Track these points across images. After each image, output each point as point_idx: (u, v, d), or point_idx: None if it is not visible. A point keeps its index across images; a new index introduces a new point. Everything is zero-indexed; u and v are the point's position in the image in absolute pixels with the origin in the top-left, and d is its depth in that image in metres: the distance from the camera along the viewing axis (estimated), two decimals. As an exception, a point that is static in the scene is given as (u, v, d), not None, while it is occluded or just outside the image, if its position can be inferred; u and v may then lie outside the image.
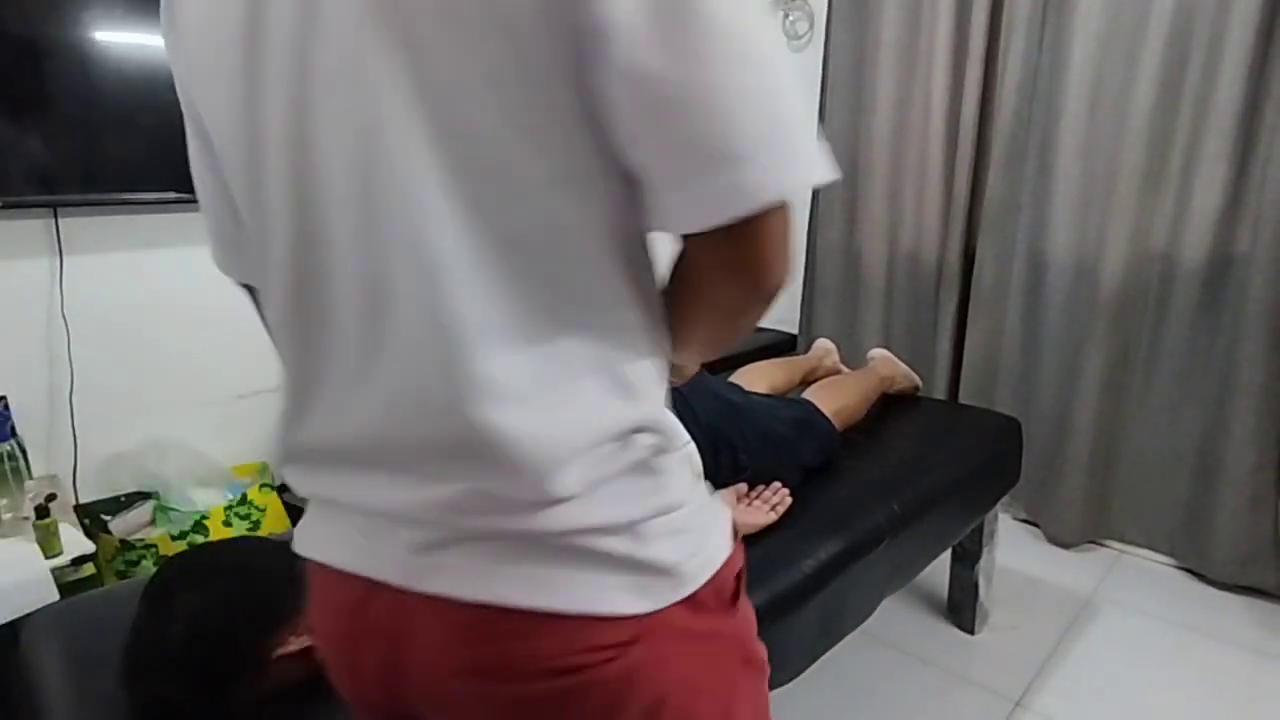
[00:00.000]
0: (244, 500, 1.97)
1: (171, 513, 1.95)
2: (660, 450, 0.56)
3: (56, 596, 1.39)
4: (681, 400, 0.79)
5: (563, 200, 0.49)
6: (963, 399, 2.61)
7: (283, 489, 2.31)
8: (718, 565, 0.59)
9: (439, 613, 0.54)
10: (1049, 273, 2.35)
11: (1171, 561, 2.29)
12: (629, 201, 0.51)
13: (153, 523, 1.93)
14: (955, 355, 2.67)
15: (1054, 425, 2.38)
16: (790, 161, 0.48)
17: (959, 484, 1.63)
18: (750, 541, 1.09)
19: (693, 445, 0.61)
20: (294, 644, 0.88)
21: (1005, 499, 1.89)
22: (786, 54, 0.50)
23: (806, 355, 2.16)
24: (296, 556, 0.94)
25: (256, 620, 0.86)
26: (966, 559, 1.93)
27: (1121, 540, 2.38)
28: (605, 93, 0.46)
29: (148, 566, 1.79)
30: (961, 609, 1.98)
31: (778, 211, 0.49)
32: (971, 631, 1.96)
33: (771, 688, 0.75)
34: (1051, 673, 1.82)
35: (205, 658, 0.83)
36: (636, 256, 0.55)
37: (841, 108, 2.81)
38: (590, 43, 0.44)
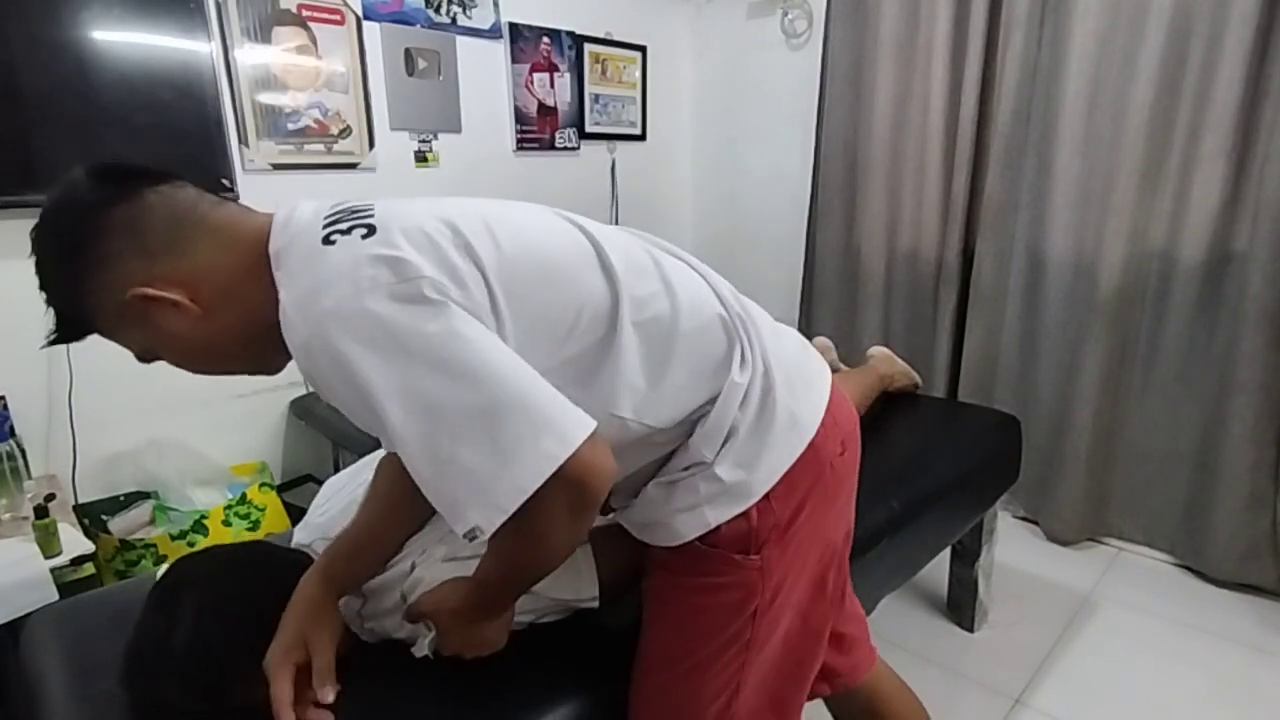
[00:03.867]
0: (243, 500, 1.97)
1: (171, 512, 1.95)
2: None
3: (56, 596, 1.39)
4: None
5: None
6: (962, 397, 2.61)
7: (282, 489, 2.31)
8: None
9: None
10: (1048, 271, 2.35)
11: (1170, 559, 2.29)
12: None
13: (152, 522, 1.92)
14: (954, 353, 2.67)
15: (1053, 423, 2.38)
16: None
17: (958, 482, 1.63)
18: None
19: None
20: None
21: (1004, 497, 1.89)
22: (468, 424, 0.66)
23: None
24: (302, 562, 0.95)
25: (262, 624, 0.86)
26: (966, 557, 1.93)
27: (1120, 538, 2.38)
28: None
29: (147, 566, 1.79)
30: (961, 607, 1.98)
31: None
32: (971, 629, 1.97)
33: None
34: (1051, 670, 1.83)
35: (210, 661, 0.83)
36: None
37: (840, 106, 2.81)
38: None
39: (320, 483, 1.45)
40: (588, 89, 3.00)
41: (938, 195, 2.61)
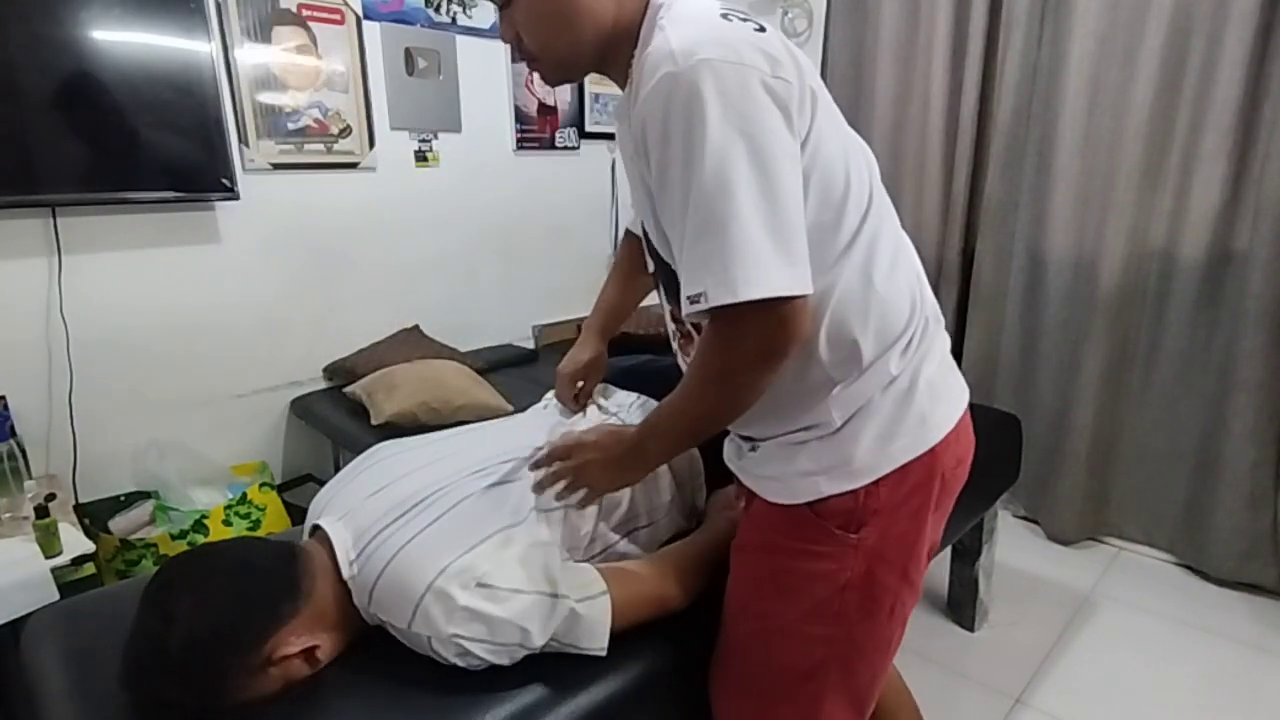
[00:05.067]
0: (244, 499, 1.97)
1: (171, 512, 1.95)
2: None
3: (56, 596, 1.39)
4: None
5: None
6: (962, 396, 2.61)
7: (282, 488, 2.31)
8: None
9: None
10: (1048, 270, 2.35)
11: (1170, 558, 2.29)
12: None
13: (152, 522, 1.92)
14: (954, 353, 2.64)
15: (1053, 422, 2.38)
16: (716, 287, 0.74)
17: (958, 481, 1.63)
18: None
19: None
20: (295, 644, 0.88)
21: (1005, 496, 1.89)
22: (745, 196, 0.73)
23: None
24: (297, 556, 0.95)
25: (258, 620, 0.86)
26: (966, 556, 1.93)
27: (1120, 537, 2.38)
28: None
29: (148, 566, 1.79)
30: (961, 606, 1.99)
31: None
32: (971, 629, 1.97)
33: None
34: (1051, 669, 1.83)
35: (206, 658, 0.83)
36: None
37: (840, 105, 2.79)
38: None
39: (321, 483, 1.45)
40: (588, 88, 3.00)
41: (938, 195, 2.61)
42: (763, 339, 0.77)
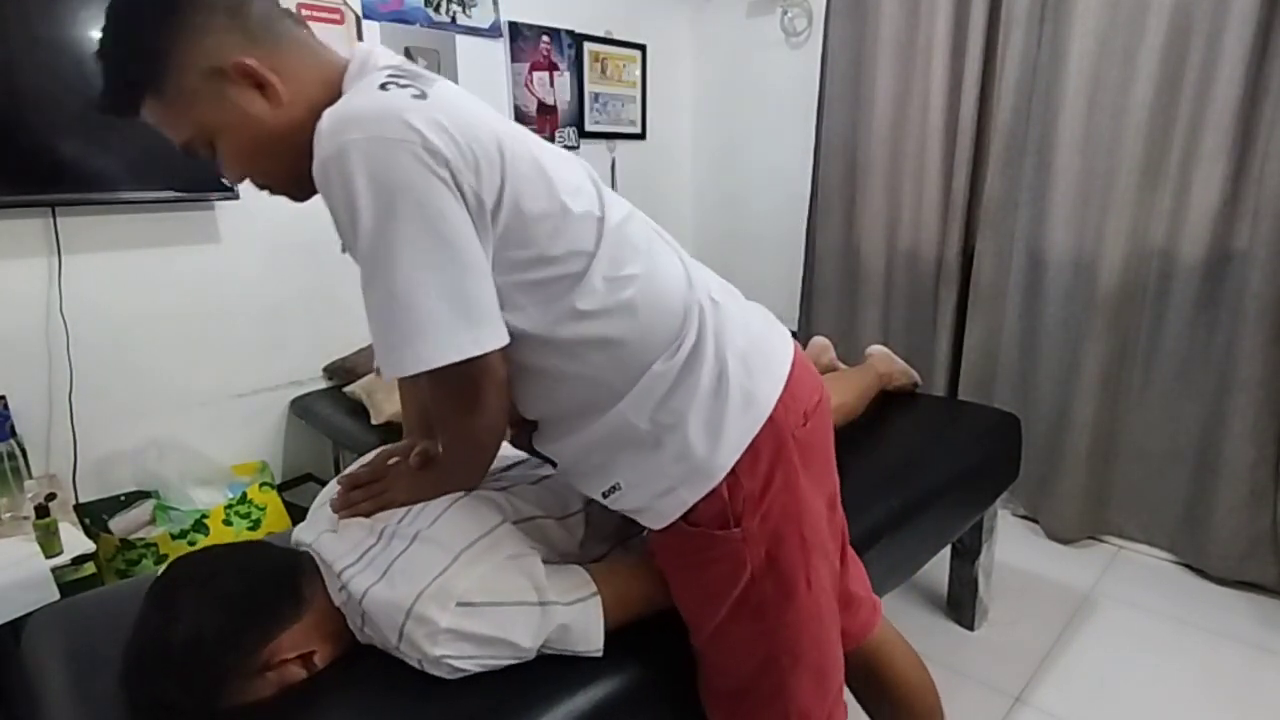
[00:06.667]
0: (244, 499, 1.97)
1: (171, 512, 1.95)
2: None
3: (57, 596, 1.39)
4: None
5: None
6: (962, 395, 2.61)
7: (282, 488, 2.31)
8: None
9: None
10: (1048, 269, 2.35)
11: (1170, 557, 2.29)
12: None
13: (153, 522, 1.93)
14: (954, 352, 2.67)
15: (1053, 421, 2.38)
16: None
17: (958, 480, 1.63)
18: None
19: None
20: (293, 649, 0.87)
21: (1004, 495, 1.89)
22: (422, 272, 0.75)
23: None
24: (300, 562, 0.95)
25: (259, 623, 0.86)
26: (966, 555, 1.93)
27: (1120, 536, 2.38)
28: None
29: (148, 566, 1.79)
30: (961, 605, 1.99)
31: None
32: (971, 627, 1.97)
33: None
34: (1051, 668, 1.83)
35: (207, 659, 0.83)
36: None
37: (840, 105, 2.81)
38: None
39: (322, 482, 1.45)
40: (587, 88, 3.00)
41: (938, 194, 2.61)
42: (456, 394, 0.85)
